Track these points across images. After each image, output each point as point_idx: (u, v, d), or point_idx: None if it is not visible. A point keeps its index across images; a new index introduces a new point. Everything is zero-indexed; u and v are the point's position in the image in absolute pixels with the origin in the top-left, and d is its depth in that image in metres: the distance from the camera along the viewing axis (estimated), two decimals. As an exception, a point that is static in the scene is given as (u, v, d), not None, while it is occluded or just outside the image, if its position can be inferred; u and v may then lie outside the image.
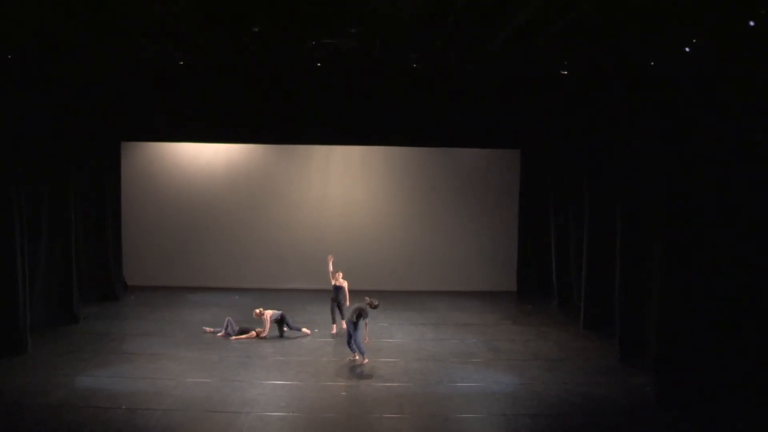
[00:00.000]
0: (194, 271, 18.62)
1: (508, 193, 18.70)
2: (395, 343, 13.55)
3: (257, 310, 13.89)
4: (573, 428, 9.62)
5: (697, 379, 9.65)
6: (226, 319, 13.96)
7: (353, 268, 15.53)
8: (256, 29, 10.47)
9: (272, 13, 9.76)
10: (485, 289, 18.42)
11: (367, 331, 12.15)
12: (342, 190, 18.87)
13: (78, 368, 11.51)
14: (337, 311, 13.92)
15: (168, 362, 11.99)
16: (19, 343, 12.08)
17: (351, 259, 16.60)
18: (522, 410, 10.08)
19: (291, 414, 9.85)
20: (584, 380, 11.40)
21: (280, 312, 13.87)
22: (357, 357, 12.13)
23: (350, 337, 12.02)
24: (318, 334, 13.99)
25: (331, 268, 13.92)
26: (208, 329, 14.06)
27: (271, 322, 13.74)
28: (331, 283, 13.92)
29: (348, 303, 13.66)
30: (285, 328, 13.84)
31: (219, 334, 13.79)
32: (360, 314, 11.93)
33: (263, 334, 13.68)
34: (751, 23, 8.03)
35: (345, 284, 13.86)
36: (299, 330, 13.93)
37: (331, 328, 14.11)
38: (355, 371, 11.84)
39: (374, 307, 12.21)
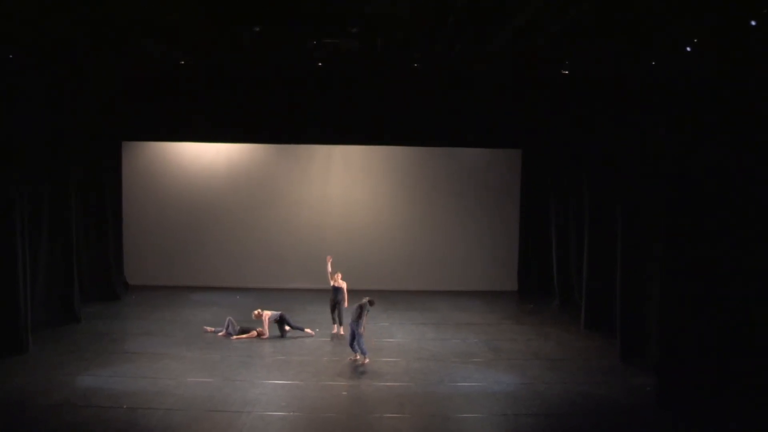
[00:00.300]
0: (195, 271, 18.64)
1: (508, 192, 18.71)
2: (396, 343, 13.56)
3: (256, 312, 13.90)
4: (574, 428, 9.62)
5: (698, 379, 9.65)
6: (227, 318, 13.97)
7: (354, 267, 15.55)
8: (257, 29, 10.46)
9: (272, 13, 9.76)
10: (486, 289, 18.43)
11: (365, 322, 12.16)
12: (342, 189, 18.88)
13: (79, 368, 11.53)
14: (337, 312, 13.92)
15: (169, 362, 12.00)
16: (20, 342, 12.11)
17: (351, 259, 16.62)
18: (523, 410, 10.10)
19: (292, 413, 9.86)
20: (585, 380, 11.41)
21: (279, 313, 13.87)
22: (358, 357, 12.14)
23: (353, 338, 12.03)
24: (319, 334, 14.00)
25: (330, 269, 13.91)
26: (209, 329, 14.08)
27: (270, 322, 13.75)
28: (330, 284, 13.92)
29: (347, 304, 13.67)
30: (286, 328, 13.85)
31: (220, 334, 13.80)
32: (361, 313, 11.98)
33: (264, 335, 13.69)
34: (753, 23, 8.03)
35: (344, 285, 13.84)
36: (302, 330, 13.93)
37: (332, 328, 14.12)
38: (356, 371, 11.85)
39: (372, 304, 12.27)
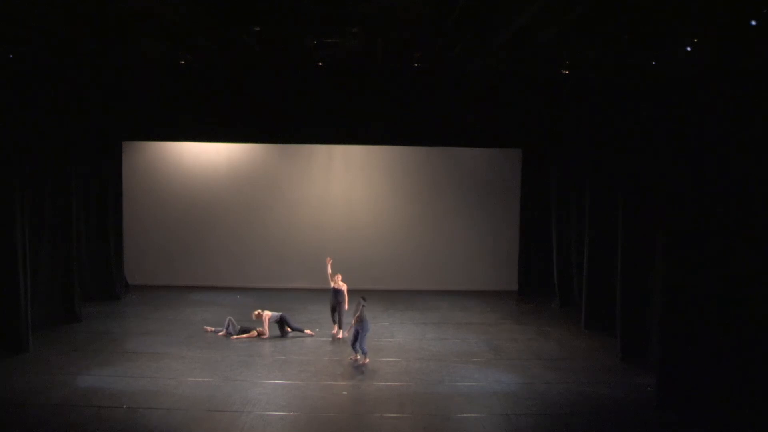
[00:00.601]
0: (195, 271, 18.65)
1: (509, 192, 18.71)
2: (396, 343, 13.56)
3: (256, 312, 13.90)
4: (574, 428, 9.62)
5: (698, 379, 9.64)
6: (227, 318, 13.97)
7: (354, 267, 15.55)
8: (257, 29, 10.46)
9: (273, 13, 9.76)
10: (487, 289, 18.44)
11: (358, 316, 12.29)
12: (343, 189, 18.88)
13: (79, 367, 11.54)
14: (337, 314, 13.89)
15: (169, 361, 12.01)
16: (20, 342, 12.12)
17: (352, 259, 16.63)
18: (523, 410, 10.10)
19: (292, 413, 9.86)
20: (585, 380, 11.42)
21: (279, 314, 13.87)
22: (359, 357, 12.14)
23: (355, 338, 12.04)
24: (319, 334, 14.00)
25: (330, 270, 13.89)
26: (209, 328, 14.08)
27: (270, 323, 13.75)
28: (330, 285, 13.89)
29: (347, 306, 13.66)
30: (287, 330, 13.84)
31: (220, 334, 13.80)
32: (361, 313, 12.00)
33: (264, 335, 13.69)
34: (753, 23, 8.02)
35: (344, 287, 13.80)
36: (302, 331, 13.93)
37: (333, 329, 14.10)
38: (357, 371, 11.86)
39: (364, 300, 12.42)
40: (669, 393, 10.10)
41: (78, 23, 10.25)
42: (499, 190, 18.80)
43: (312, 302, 16.38)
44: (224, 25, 10.47)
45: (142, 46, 11.72)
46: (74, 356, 12.16)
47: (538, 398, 10.58)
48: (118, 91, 14.49)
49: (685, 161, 10.05)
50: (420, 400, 10.49)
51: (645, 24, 9.46)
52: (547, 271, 17.80)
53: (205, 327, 14.19)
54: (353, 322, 12.19)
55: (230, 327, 13.80)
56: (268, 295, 17.18)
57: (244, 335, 13.68)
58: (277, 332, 13.79)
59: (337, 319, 13.94)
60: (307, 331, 13.98)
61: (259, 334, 13.71)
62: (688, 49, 9.56)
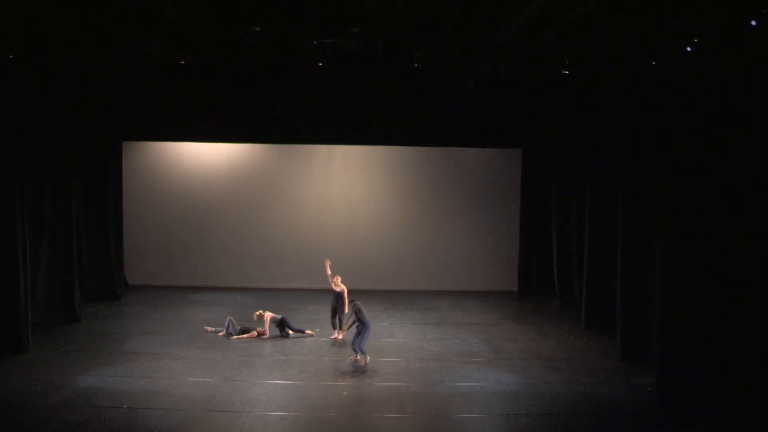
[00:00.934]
0: (195, 271, 18.63)
1: (509, 192, 18.70)
2: (396, 343, 13.55)
3: (257, 312, 13.89)
4: (574, 428, 9.61)
5: (699, 379, 9.64)
6: (228, 318, 13.97)
7: (354, 267, 15.54)
8: (257, 29, 10.47)
9: (273, 13, 9.77)
10: (486, 289, 18.43)
11: (348, 322, 12.35)
12: (343, 189, 18.87)
13: (79, 367, 11.53)
14: (337, 318, 13.84)
15: (169, 361, 12.00)
16: (20, 342, 12.11)
17: (352, 259, 16.62)
18: (523, 410, 10.09)
19: (292, 413, 9.86)
20: (586, 380, 11.41)
21: (280, 316, 13.85)
22: (359, 357, 12.14)
23: (356, 338, 12.02)
24: (319, 334, 13.99)
25: (329, 271, 13.83)
26: (209, 329, 14.07)
27: (270, 324, 13.75)
28: (331, 286, 13.83)
29: (347, 309, 13.62)
30: (288, 331, 13.82)
31: (220, 334, 13.80)
32: (359, 314, 12.00)
33: (264, 335, 13.69)
34: (753, 23, 8.02)
35: (344, 289, 13.70)
36: (302, 332, 13.92)
37: (333, 333, 14.01)
38: (357, 371, 11.85)
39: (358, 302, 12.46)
40: (669, 393, 10.10)
41: (78, 23, 10.26)
42: (499, 190, 18.80)
43: (312, 302, 16.37)
44: (224, 25, 10.48)
45: (142, 46, 11.73)
46: (74, 356, 12.15)
47: (538, 398, 10.57)
48: (118, 91, 14.51)
49: (685, 161, 10.05)
50: (420, 400, 10.49)
51: (645, 23, 9.47)
52: (547, 271, 17.79)
53: (206, 327, 14.18)
54: (350, 322, 12.17)
55: (230, 327, 13.79)
56: (268, 295, 17.17)
57: (245, 335, 13.68)
58: (278, 332, 13.78)
59: (337, 324, 13.80)
60: (308, 332, 13.97)
61: (260, 335, 13.71)
62: (688, 49, 9.56)
